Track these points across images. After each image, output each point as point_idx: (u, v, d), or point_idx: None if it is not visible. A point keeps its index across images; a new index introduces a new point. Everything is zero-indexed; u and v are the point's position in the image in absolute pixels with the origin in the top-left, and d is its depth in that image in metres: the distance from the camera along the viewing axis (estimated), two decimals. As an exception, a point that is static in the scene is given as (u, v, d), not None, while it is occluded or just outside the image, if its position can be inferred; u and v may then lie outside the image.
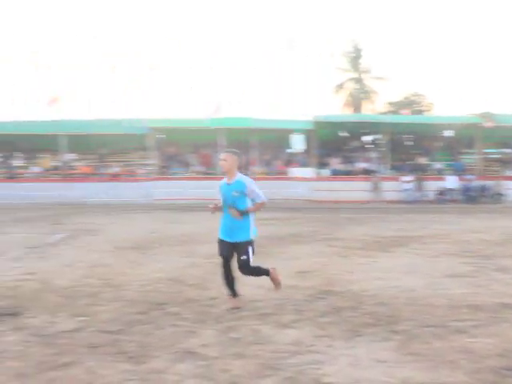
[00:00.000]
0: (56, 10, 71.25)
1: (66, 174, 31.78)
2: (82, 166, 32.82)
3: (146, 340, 5.47)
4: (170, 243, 12.47)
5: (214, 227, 7.30)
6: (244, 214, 6.53)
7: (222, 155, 6.71)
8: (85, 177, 31.50)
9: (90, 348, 5.21)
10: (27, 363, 4.83)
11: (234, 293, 6.78)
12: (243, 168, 28.44)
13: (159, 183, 29.51)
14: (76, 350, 5.16)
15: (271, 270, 6.89)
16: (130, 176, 30.51)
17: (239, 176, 6.66)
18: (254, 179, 7.02)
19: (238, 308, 6.62)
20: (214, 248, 6.88)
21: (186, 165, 31.11)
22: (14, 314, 6.38)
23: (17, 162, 33.59)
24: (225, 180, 6.73)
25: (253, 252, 6.61)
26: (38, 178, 31.87)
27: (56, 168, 32.53)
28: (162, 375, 4.61)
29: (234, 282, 6.74)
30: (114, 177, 30.58)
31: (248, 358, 5.01)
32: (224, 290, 6.85)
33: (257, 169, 28.68)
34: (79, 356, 4.99)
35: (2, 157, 33.73)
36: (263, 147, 29.74)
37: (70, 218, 20.20)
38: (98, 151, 32.92)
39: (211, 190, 26.89)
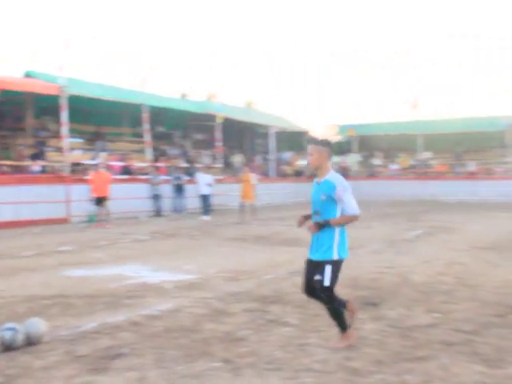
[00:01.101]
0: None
1: (421, 173, 32.10)
2: (437, 164, 32.80)
3: (502, 344, 5.27)
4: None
5: None
6: (323, 226, 5.06)
7: (308, 148, 5.17)
8: (439, 175, 31.40)
9: (443, 345, 5.24)
10: (384, 352, 5.07)
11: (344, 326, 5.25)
12: None
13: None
14: (430, 345, 5.24)
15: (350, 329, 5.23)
16: (487, 174, 29.39)
17: (330, 174, 5.11)
18: None
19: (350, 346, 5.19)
20: None
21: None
22: (374, 305, 6.76)
23: (376, 161, 35.10)
24: (316, 179, 5.26)
25: (334, 276, 5.03)
26: (395, 176, 32.84)
27: (413, 166, 33.07)
28: (520, 382, 4.42)
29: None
30: (471, 175, 29.80)
31: None
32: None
33: None
34: (433, 351, 5.06)
35: (363, 156, 35.61)
36: None
37: (425, 215, 20.39)
38: (453, 149, 32.50)
39: None
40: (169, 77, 70.97)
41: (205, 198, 20.72)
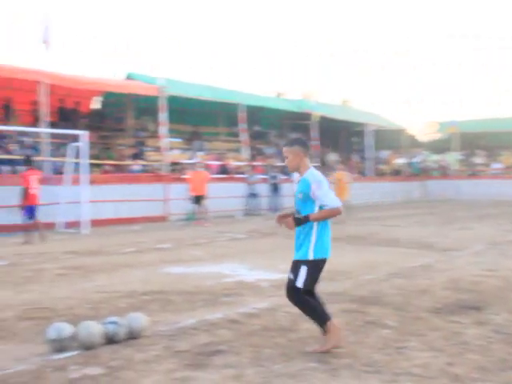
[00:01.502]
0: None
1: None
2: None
3: None
4: None
5: None
6: (301, 222, 4.91)
7: (283, 151, 5.10)
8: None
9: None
10: (488, 358, 4.85)
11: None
12: None
13: None
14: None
15: (331, 323, 4.94)
16: None
17: (308, 172, 4.96)
18: None
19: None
20: None
21: None
22: (477, 309, 6.49)
23: (478, 160, 33.92)
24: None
25: (309, 277, 4.91)
26: (498, 175, 31.64)
27: (518, 165, 31.77)
28: None
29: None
30: None
31: None
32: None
33: None
34: (543, 360, 4.80)
35: (464, 154, 34.49)
36: None
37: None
38: None
39: None
40: (263, 75, 71.73)
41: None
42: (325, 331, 4.99)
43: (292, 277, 4.97)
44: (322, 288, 7.77)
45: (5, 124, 18.10)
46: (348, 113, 32.78)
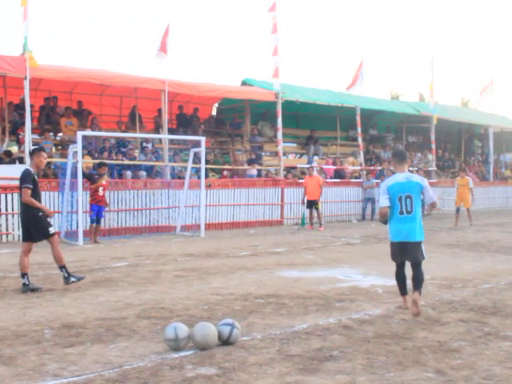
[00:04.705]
0: None
1: None
2: None
3: None
4: None
5: None
6: None
7: None
8: None
9: None
10: None
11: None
12: None
13: None
14: None
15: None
16: None
17: None
18: None
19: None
20: None
21: None
22: None
23: None
24: None
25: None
26: None
27: None
28: None
29: None
30: None
31: None
32: None
33: None
34: None
35: None
36: None
37: None
38: None
39: None
40: (377, 77, 70.71)
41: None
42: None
43: None
44: (437, 295, 7.58)
45: (131, 131, 18.99)
46: (469, 114, 31.54)
